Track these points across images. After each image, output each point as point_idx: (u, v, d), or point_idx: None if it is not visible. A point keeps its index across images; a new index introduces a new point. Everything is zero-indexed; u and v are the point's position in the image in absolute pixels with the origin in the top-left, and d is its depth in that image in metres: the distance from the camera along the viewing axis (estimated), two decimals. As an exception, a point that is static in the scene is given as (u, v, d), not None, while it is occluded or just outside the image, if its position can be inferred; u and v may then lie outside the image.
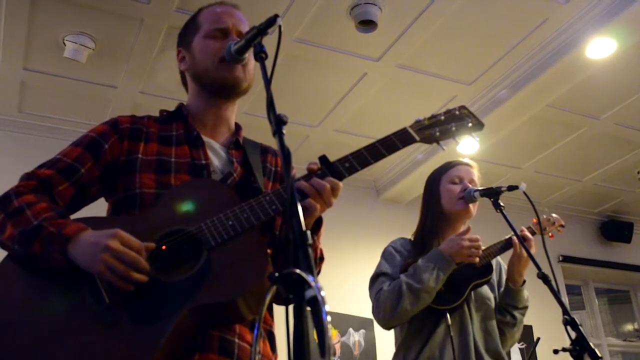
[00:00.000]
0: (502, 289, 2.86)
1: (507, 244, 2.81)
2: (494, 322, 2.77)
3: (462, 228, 2.90)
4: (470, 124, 1.93)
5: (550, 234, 3.03)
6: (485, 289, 2.80)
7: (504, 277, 2.88)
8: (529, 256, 2.63)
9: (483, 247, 2.77)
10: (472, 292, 2.74)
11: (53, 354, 1.50)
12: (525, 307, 2.80)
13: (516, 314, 2.77)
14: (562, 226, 3.06)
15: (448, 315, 2.61)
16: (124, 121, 1.91)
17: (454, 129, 1.89)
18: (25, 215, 1.63)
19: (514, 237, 2.75)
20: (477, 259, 2.66)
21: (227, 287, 1.56)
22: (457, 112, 1.93)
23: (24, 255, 1.62)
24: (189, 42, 1.98)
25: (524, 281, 2.78)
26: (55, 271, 1.60)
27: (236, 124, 2.04)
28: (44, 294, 1.60)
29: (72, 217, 1.72)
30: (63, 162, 1.80)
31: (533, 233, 2.85)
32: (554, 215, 3.07)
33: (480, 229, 3.04)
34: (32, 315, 1.56)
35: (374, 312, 2.77)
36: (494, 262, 2.88)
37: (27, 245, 1.60)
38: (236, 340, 1.67)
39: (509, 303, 2.77)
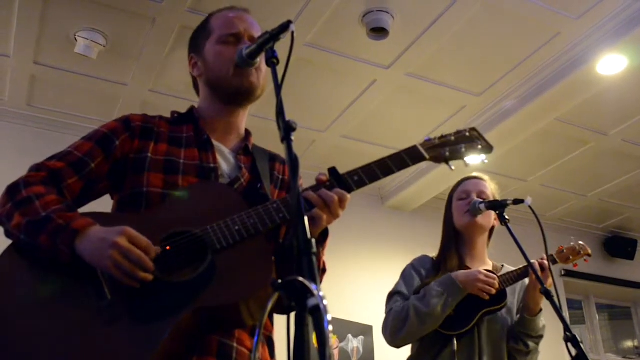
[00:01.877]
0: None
1: (524, 273, 2.74)
2: (505, 351, 2.71)
3: (481, 241, 2.89)
4: (480, 146, 1.94)
5: (574, 263, 2.92)
6: (500, 316, 2.74)
7: None
8: (535, 275, 2.55)
9: (502, 273, 2.75)
10: (485, 318, 2.70)
11: (51, 346, 1.50)
12: (540, 337, 2.71)
13: (529, 342, 2.69)
14: (589, 255, 2.94)
15: (455, 341, 2.59)
16: (136, 119, 1.91)
17: (463, 149, 1.90)
18: (34, 205, 1.63)
19: (531, 267, 2.60)
20: (487, 297, 2.62)
21: (230, 291, 1.56)
22: (467, 134, 1.94)
23: (29, 246, 1.62)
24: (201, 48, 1.98)
25: (541, 310, 2.69)
26: (58, 264, 1.60)
27: (246, 130, 2.05)
28: (46, 287, 1.60)
29: (78, 211, 1.72)
30: (73, 156, 1.80)
31: (554, 262, 2.79)
32: (580, 242, 2.95)
33: (504, 247, 3.01)
34: (32, 306, 1.56)
35: (382, 330, 2.77)
36: (519, 284, 2.83)
37: (34, 235, 1.60)
38: (235, 345, 1.67)
39: (522, 331, 2.69)
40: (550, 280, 2.62)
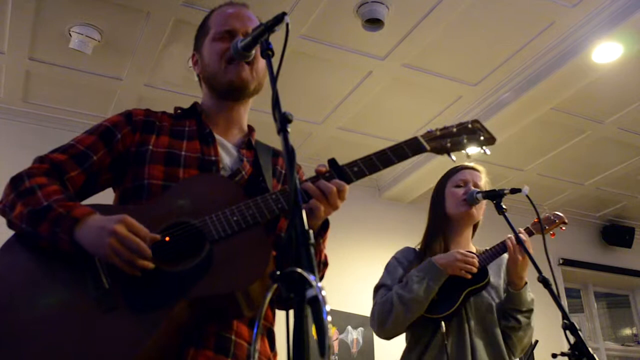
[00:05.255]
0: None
1: (502, 248, 2.74)
2: (497, 330, 2.70)
3: (467, 231, 2.89)
4: (482, 138, 1.93)
5: (551, 233, 2.93)
6: (485, 295, 2.74)
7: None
8: (530, 259, 2.57)
9: (482, 250, 2.76)
10: (471, 299, 2.70)
11: (49, 334, 1.51)
12: (530, 310, 2.71)
13: (520, 317, 2.69)
14: (565, 223, 2.94)
15: (443, 324, 2.58)
16: (138, 114, 1.93)
17: (465, 141, 1.89)
18: (36, 195, 1.65)
19: (508, 240, 2.68)
20: (470, 276, 2.63)
21: (227, 280, 1.56)
22: (469, 125, 1.93)
23: (31, 235, 1.64)
24: (200, 45, 2.01)
25: (526, 283, 2.70)
26: (59, 253, 1.61)
27: (249, 126, 2.06)
28: (46, 275, 1.62)
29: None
30: (76, 149, 1.82)
31: (531, 234, 2.79)
32: (556, 212, 2.97)
33: (485, 231, 3.02)
34: (32, 294, 1.58)
35: (370, 324, 2.80)
36: (499, 263, 2.84)
37: (35, 224, 1.62)
38: (233, 337, 1.67)
39: (511, 307, 2.70)
40: (531, 251, 2.63)
